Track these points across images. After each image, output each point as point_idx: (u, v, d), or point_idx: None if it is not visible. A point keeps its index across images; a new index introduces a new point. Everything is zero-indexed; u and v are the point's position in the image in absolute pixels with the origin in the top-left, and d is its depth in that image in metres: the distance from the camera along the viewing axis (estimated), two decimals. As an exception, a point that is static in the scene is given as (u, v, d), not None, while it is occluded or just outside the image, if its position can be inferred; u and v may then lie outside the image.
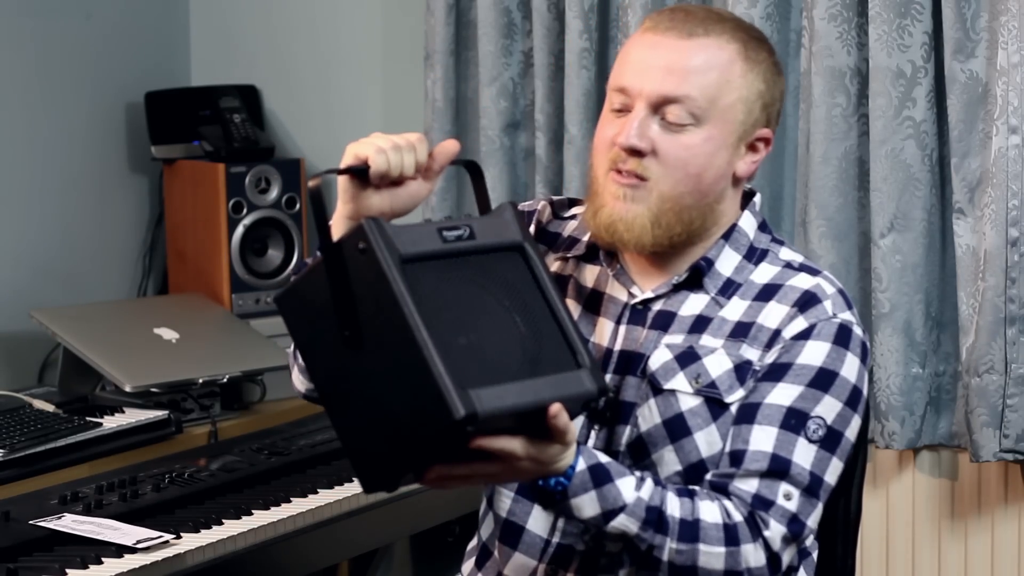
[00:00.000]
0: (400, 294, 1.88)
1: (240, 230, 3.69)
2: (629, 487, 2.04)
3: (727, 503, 2.09)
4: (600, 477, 2.03)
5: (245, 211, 3.69)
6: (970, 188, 3.20)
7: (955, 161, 3.20)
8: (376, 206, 2.09)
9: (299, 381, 2.28)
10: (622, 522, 2.03)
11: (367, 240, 1.90)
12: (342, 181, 2.09)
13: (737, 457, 2.10)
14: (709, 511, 2.07)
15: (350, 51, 3.92)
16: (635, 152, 2.12)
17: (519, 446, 1.94)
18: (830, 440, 2.12)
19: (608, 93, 2.19)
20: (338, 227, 2.08)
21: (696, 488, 2.10)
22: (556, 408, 1.93)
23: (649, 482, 2.06)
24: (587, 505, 2.03)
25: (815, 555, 2.26)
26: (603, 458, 2.05)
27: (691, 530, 2.05)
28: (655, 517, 2.04)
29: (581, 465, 2.01)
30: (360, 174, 2.07)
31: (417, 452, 1.92)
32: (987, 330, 3.16)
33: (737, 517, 2.08)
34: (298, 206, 3.75)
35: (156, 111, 3.79)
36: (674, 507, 2.06)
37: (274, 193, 3.73)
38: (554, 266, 2.26)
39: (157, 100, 3.80)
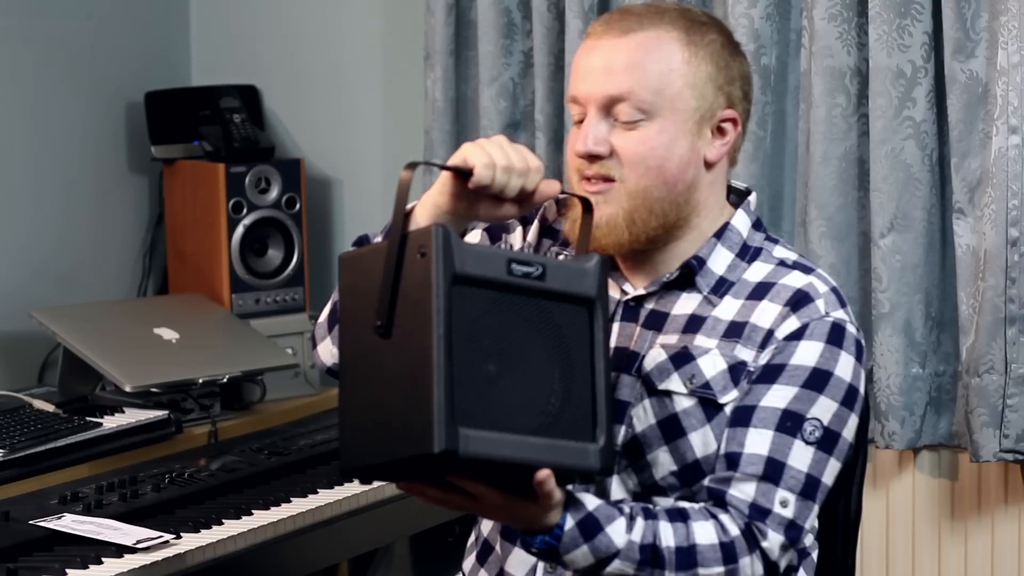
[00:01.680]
0: (436, 310, 1.88)
1: (240, 230, 3.69)
2: (619, 531, 2.03)
3: (723, 517, 2.08)
4: (590, 529, 2.02)
5: (245, 211, 3.69)
6: (970, 188, 3.19)
7: (955, 161, 3.20)
8: (464, 208, 2.09)
9: (327, 353, 2.27)
10: (617, 567, 2.04)
11: (428, 246, 1.91)
12: (444, 172, 2.09)
13: (733, 460, 2.10)
14: (703, 532, 2.06)
15: (350, 51, 3.92)
16: (595, 157, 2.14)
17: (494, 495, 1.95)
18: (827, 441, 2.11)
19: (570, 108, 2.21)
20: (423, 208, 2.09)
21: (688, 508, 2.09)
22: (543, 475, 1.93)
23: (639, 520, 2.05)
24: (580, 558, 2.03)
25: (815, 555, 2.26)
26: (590, 504, 2.04)
27: (688, 557, 2.05)
28: (649, 556, 2.04)
29: (569, 523, 2.02)
30: (461, 175, 2.07)
31: (395, 461, 1.93)
32: (987, 330, 3.16)
33: (733, 531, 2.07)
34: (298, 206, 3.75)
35: (156, 111, 3.78)
36: (668, 537, 2.05)
37: (274, 193, 3.73)
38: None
39: (157, 100, 3.80)
